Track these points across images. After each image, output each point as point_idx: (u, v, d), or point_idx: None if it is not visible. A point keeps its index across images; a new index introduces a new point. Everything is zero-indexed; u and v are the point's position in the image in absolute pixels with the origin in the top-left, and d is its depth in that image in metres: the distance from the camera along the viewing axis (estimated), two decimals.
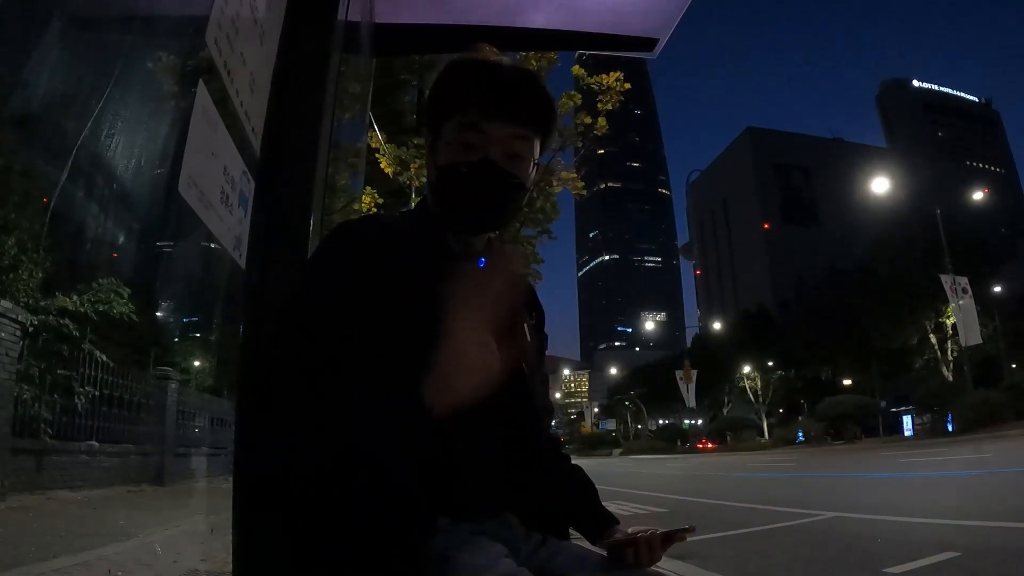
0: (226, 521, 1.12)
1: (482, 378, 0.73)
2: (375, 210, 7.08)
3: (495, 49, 0.96)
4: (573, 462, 1.08)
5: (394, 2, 1.87)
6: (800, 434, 32.73)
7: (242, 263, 1.31)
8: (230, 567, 1.10)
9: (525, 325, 0.99)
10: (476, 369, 0.73)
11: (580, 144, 9.35)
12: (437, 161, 0.92)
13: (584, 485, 1.05)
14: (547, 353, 1.10)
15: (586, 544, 0.98)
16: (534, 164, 0.93)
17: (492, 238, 1.01)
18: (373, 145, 6.98)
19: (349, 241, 0.88)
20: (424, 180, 4.73)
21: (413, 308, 0.84)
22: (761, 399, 41.18)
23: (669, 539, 0.91)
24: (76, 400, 6.35)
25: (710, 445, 42.99)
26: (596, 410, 64.78)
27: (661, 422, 60.32)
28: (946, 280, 18.68)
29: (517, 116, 0.89)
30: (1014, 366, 27.78)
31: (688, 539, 0.91)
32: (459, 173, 0.89)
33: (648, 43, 2.03)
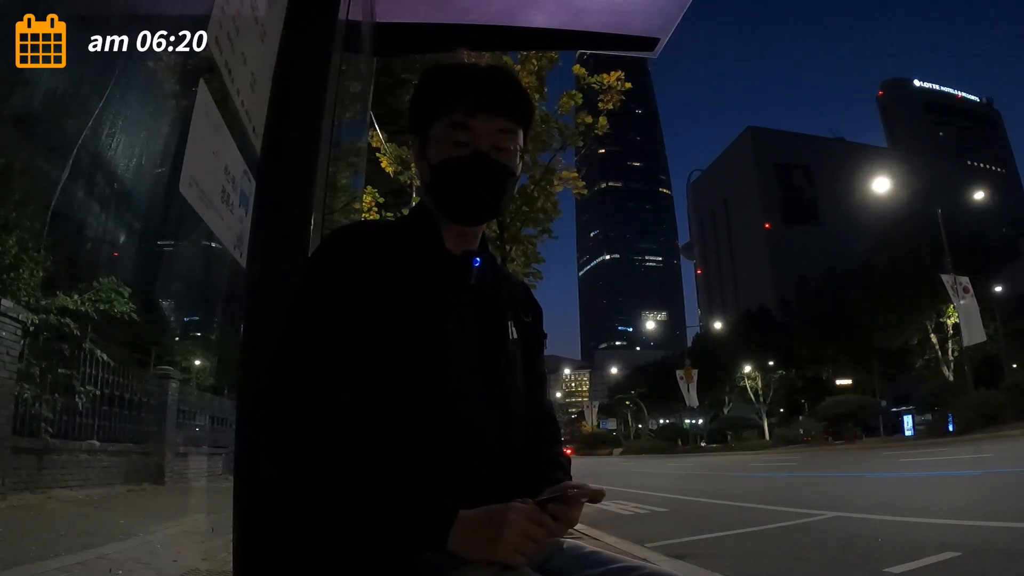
0: (227, 520, 1.12)
1: None
2: (375, 209, 7.08)
3: (472, 52, 1.01)
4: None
5: (395, 2, 1.86)
6: (801, 434, 32.62)
7: (243, 262, 1.31)
8: (230, 566, 1.10)
9: (510, 323, 1.00)
10: None
11: (581, 143, 9.35)
12: (429, 160, 0.96)
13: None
14: (549, 353, 1.11)
15: (587, 545, 0.98)
16: (520, 154, 0.98)
17: (488, 239, 1.05)
18: (374, 144, 6.97)
19: (349, 245, 0.90)
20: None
21: (415, 308, 0.86)
22: (762, 399, 41.11)
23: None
24: (77, 399, 6.35)
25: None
26: (596, 410, 64.60)
27: (662, 422, 60.26)
28: (947, 280, 18.64)
29: (501, 109, 0.94)
30: (1015, 366, 27.72)
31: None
32: (454, 167, 0.93)
33: (649, 43, 2.03)
